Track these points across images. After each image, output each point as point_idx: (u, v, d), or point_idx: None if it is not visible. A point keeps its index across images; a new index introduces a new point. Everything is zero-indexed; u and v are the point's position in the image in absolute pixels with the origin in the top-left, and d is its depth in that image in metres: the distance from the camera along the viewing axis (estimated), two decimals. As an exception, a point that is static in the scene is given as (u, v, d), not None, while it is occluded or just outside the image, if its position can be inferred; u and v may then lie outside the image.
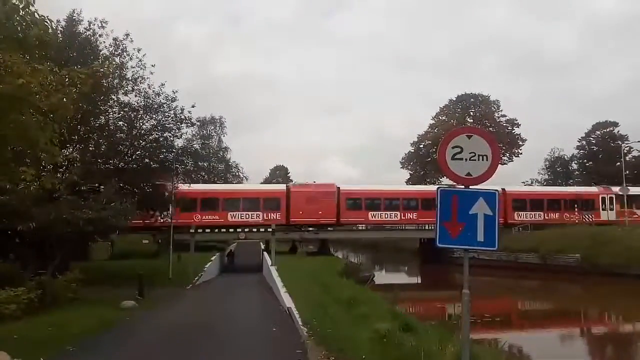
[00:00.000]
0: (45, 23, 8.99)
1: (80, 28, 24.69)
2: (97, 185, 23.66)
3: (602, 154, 57.37)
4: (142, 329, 13.18)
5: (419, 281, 47.99)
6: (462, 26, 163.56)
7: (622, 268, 33.05)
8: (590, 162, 59.01)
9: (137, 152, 26.68)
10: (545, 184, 68.96)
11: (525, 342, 17.64)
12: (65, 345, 10.09)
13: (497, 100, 64.51)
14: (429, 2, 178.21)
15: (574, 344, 19.29)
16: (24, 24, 8.67)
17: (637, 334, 21.70)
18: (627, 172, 48.89)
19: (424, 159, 65.28)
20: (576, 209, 47.75)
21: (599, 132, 59.04)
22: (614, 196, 48.07)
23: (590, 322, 25.16)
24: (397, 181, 74.18)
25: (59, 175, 21.29)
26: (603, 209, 48.15)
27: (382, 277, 44.50)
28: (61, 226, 18.64)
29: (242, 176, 64.94)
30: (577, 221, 46.44)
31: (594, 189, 51.07)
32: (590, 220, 47.40)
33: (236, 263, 46.11)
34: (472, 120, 62.04)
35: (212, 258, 37.20)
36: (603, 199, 48.43)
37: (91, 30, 24.44)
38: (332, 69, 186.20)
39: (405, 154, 69.33)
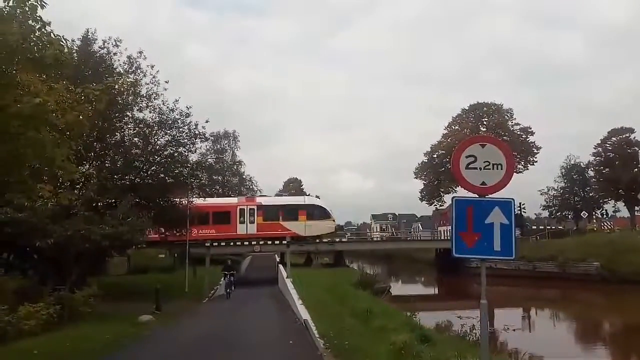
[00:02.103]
0: (61, 43, 9.16)
1: (95, 47, 25.15)
2: (113, 200, 23.90)
3: (618, 160, 56.49)
4: (160, 343, 13.20)
5: (436, 292, 47.52)
6: (469, 38, 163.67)
7: (643, 276, 32.43)
8: (607, 169, 58.08)
9: (153, 168, 26.93)
10: (561, 191, 68.05)
11: (546, 353, 17.31)
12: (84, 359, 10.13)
13: (510, 109, 63.99)
14: (435, 16, 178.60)
15: (596, 355, 18.91)
16: (40, 44, 8.84)
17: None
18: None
19: (438, 169, 64.82)
20: (210, 222, 41.39)
21: (614, 139, 58.12)
22: (255, 207, 43.53)
23: (614, 332, 24.66)
24: (410, 191, 73.82)
25: (75, 191, 21.57)
26: (241, 222, 42.95)
27: (398, 288, 44.15)
28: (78, 242, 18.84)
29: (256, 189, 65.27)
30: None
31: (232, 200, 46.32)
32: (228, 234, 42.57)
33: (251, 277, 45.71)
34: (485, 129, 61.50)
35: (228, 271, 37.20)
36: (241, 210, 43.32)
37: (106, 49, 24.89)
38: (340, 85, 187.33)
39: (419, 164, 68.99)
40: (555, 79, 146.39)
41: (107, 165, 25.27)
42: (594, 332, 24.12)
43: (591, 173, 63.57)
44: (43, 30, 8.72)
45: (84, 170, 22.76)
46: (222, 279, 28.29)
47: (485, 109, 64.50)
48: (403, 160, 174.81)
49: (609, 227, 56.32)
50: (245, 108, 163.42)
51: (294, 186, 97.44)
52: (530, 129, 63.15)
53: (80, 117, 10.99)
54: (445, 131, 65.66)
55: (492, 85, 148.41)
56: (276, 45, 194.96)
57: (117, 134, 25.39)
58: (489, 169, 5.78)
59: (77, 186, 22.61)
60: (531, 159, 62.54)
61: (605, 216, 64.53)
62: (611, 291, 33.51)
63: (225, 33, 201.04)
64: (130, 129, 26.26)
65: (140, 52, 25.10)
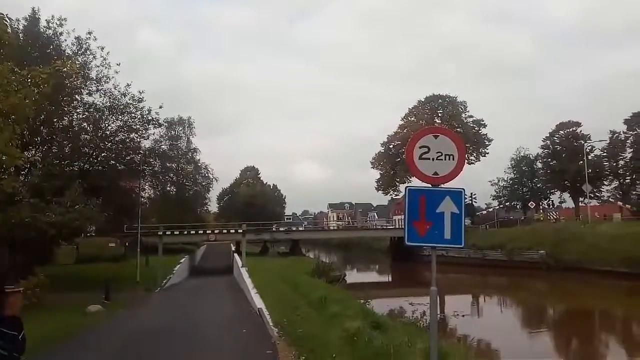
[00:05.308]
0: (5, 22, 8.73)
1: (41, 27, 24.10)
2: (60, 187, 23.13)
3: (565, 153, 58.79)
4: (108, 333, 12.89)
5: (390, 279, 48.38)
6: (427, 34, 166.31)
7: (586, 264, 33.95)
8: (554, 161, 60.35)
9: (103, 154, 26.18)
10: (511, 182, 70.26)
11: (494, 338, 17.93)
12: (26, 353, 9.76)
13: (464, 101, 65.39)
14: (395, 10, 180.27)
15: (540, 339, 19.74)
16: (-19, 22, 8.40)
17: (600, 328, 22.37)
18: (590, 170, 50.13)
19: (394, 159, 65.66)
20: None
21: (562, 132, 60.46)
22: None
23: (556, 317, 25.82)
24: (367, 181, 74.54)
25: (20, 178, 20.69)
26: None
27: (353, 276, 44.64)
28: (23, 230, 18.11)
29: (211, 177, 64.06)
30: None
31: None
32: None
33: (206, 266, 45.22)
34: (440, 121, 62.64)
35: (181, 260, 36.70)
36: None
37: (52, 29, 23.87)
38: (300, 75, 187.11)
39: (376, 155, 69.73)
40: (509, 75, 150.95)
41: (54, 150, 24.37)
42: (537, 317, 25.16)
43: (539, 165, 65.84)
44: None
45: (30, 155, 21.88)
46: None
47: (440, 101, 65.69)
48: (361, 151, 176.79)
49: (555, 217, 58.61)
50: (202, 96, 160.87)
51: (251, 175, 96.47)
52: (483, 121, 64.83)
53: (26, 100, 10.55)
54: (402, 122, 66.54)
55: (449, 79, 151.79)
56: (235, 33, 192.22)
57: (65, 118, 24.48)
58: (442, 159, 5.86)
59: (22, 172, 21.71)
60: (483, 150, 64.20)
61: (551, 206, 67.17)
62: (555, 278, 35.00)
63: (182, 18, 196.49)
64: (79, 114, 25.42)
65: (90, 33, 24.28)
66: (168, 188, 53.07)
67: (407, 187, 5.99)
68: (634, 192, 57.40)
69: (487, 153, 64.38)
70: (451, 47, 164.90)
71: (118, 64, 25.11)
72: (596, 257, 33.49)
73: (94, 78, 24.61)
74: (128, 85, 25.91)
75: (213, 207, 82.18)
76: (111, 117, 25.78)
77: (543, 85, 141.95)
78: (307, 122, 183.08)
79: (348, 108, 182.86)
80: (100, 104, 25.45)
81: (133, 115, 26.09)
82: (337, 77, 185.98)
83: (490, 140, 64.33)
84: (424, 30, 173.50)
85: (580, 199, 57.40)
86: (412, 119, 65.13)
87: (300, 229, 69.07)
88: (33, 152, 23.26)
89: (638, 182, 57.02)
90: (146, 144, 28.53)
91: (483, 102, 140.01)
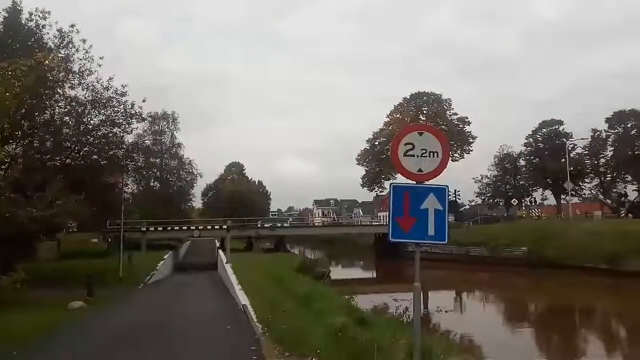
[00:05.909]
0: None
1: (22, 19, 23.75)
2: (42, 182, 22.78)
3: (547, 150, 59.60)
4: (91, 330, 12.78)
5: (374, 275, 48.60)
6: (413, 31, 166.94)
7: (567, 260, 34.44)
8: (537, 159, 61.20)
9: (85, 148, 25.87)
10: (494, 179, 71.01)
11: (476, 333, 18.12)
12: (9, 350, 9.64)
13: (449, 99, 65.99)
14: (381, 8, 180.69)
15: (522, 335, 20.00)
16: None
17: (580, 324, 22.74)
18: (572, 168, 50.86)
19: (379, 156, 65.89)
20: None
21: (545, 130, 61.31)
22: None
23: (536, 313, 26.18)
24: (352, 178, 74.67)
25: (1, 172, 20.36)
26: None
27: (338, 272, 44.75)
28: (3, 225, 17.82)
29: (195, 172, 63.79)
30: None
31: None
32: None
33: (190, 262, 44.97)
34: (425, 118, 63.05)
35: (165, 257, 36.46)
36: None
37: (34, 22, 23.52)
38: (287, 70, 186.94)
39: (361, 151, 69.94)
40: (495, 73, 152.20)
41: (35, 145, 24.00)
42: (519, 313, 25.48)
43: (522, 162, 66.61)
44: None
45: (10, 149, 21.53)
46: None
47: (425, 98, 66.11)
48: (347, 147, 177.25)
49: (537, 214, 59.41)
50: (187, 90, 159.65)
51: (235, 170, 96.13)
52: (467, 119, 65.41)
53: (6, 93, 10.40)
54: (387, 119, 66.83)
55: (436, 76, 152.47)
56: (220, 26, 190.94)
57: (46, 112, 24.10)
58: (426, 156, 5.92)
59: (2, 167, 21.36)
60: (467, 147, 64.75)
61: (533, 204, 68.06)
62: (536, 274, 35.46)
63: (166, 11, 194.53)
64: (61, 107, 25.03)
65: (72, 26, 23.94)
66: (152, 183, 52.85)
67: (391, 183, 6.04)
68: (614, 190, 58.44)
69: (471, 150, 65.07)
70: (437, 45, 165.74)
71: (101, 57, 24.85)
72: (577, 254, 33.98)
73: (77, 71, 24.31)
74: (110, 78, 25.65)
75: (197, 202, 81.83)
76: (93, 111, 25.46)
77: (528, 84, 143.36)
78: (294, 118, 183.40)
79: (336, 104, 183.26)
80: (83, 98, 25.14)
81: (116, 109, 25.82)
82: (326, 72, 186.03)
83: (474, 138, 65.02)
84: (415, 26, 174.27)
85: (562, 196, 58.25)
86: (398, 116, 65.43)
87: (286, 225, 69.13)
88: (13, 146, 22.88)
89: (619, 179, 58.11)
90: (129, 138, 28.32)
91: (468, 100, 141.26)
